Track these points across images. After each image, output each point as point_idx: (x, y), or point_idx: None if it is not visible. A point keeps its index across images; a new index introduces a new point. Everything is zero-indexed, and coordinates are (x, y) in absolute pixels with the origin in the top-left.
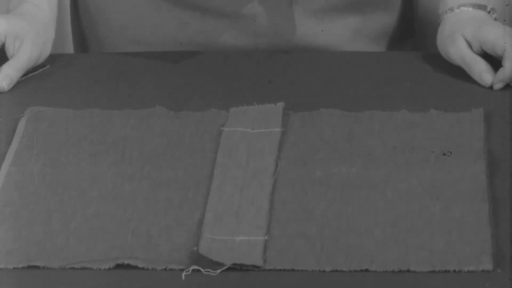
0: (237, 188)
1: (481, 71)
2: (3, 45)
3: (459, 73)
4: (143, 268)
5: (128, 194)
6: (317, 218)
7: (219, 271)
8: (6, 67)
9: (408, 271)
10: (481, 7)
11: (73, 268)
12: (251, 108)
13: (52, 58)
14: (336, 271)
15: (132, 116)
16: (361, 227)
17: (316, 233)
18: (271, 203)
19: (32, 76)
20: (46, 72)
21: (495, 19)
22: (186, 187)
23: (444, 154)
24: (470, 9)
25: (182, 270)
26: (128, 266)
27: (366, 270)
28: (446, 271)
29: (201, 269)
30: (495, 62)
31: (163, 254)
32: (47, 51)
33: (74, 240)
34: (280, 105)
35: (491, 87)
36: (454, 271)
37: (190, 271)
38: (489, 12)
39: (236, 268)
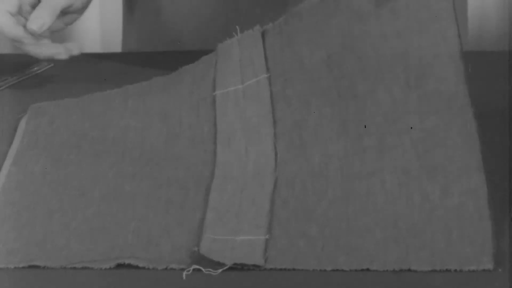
0: (237, 188)
1: None
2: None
3: None
4: (143, 268)
5: (129, 194)
6: (317, 217)
7: (220, 270)
8: (37, 8)
9: (409, 270)
10: None
11: (74, 268)
12: (235, 43)
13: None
14: (337, 270)
15: (130, 94)
16: (361, 227)
17: (316, 232)
18: (272, 203)
19: (35, 74)
20: (47, 71)
21: None
22: (187, 186)
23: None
24: None
25: (183, 269)
26: (129, 266)
27: (367, 269)
28: (446, 270)
29: (202, 268)
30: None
31: (164, 253)
32: None
33: (74, 240)
34: (257, 30)
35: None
36: (455, 270)
37: (191, 271)
38: None
39: (237, 267)
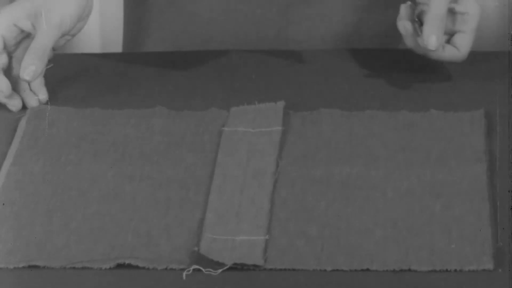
0: (237, 188)
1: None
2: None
3: (459, 73)
4: (143, 268)
5: (129, 194)
6: (317, 217)
7: (220, 271)
8: (27, 54)
9: (409, 270)
10: None
11: (74, 268)
12: (251, 107)
13: (54, 58)
14: (337, 270)
15: (133, 115)
16: (361, 227)
17: (316, 232)
18: (272, 203)
19: None
20: (47, 71)
21: None
22: (187, 187)
23: (444, 154)
24: None
25: (183, 269)
26: (129, 266)
27: (367, 269)
28: (446, 270)
29: (202, 268)
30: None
31: (163, 254)
32: (89, 4)
33: (74, 240)
34: (281, 104)
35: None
36: (455, 270)
37: (191, 271)
38: None
39: (237, 267)
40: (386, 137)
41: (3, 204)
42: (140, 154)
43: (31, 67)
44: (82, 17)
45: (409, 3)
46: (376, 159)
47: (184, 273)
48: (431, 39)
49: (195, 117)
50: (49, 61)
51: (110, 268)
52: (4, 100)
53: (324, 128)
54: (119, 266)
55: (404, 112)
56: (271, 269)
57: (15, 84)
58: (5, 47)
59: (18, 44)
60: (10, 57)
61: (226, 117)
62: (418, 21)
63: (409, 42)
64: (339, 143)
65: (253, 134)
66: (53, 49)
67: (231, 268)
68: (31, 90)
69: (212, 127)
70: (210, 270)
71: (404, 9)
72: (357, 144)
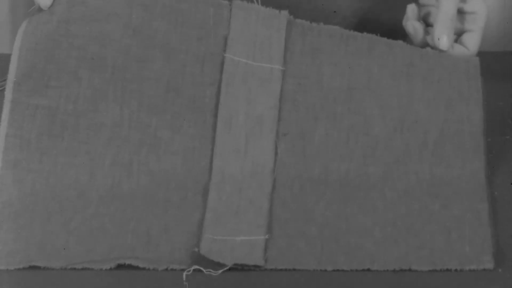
0: (236, 188)
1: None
2: None
3: None
4: (144, 268)
5: (127, 194)
6: (316, 218)
7: (220, 271)
8: None
9: (409, 270)
10: None
11: (74, 268)
12: (254, 14)
13: None
14: (337, 270)
15: (135, 4)
16: (361, 227)
17: (316, 233)
18: (271, 203)
19: None
20: None
21: None
22: (185, 186)
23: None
24: None
25: (183, 270)
26: (129, 266)
27: (367, 269)
28: (447, 270)
29: (202, 269)
30: None
31: (163, 254)
32: None
33: (74, 241)
34: (284, 16)
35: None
36: (455, 270)
37: (191, 271)
38: None
39: (237, 267)
40: (383, 90)
41: (1, 205)
42: (139, 106)
43: None
44: None
45: (414, 4)
46: (374, 145)
47: (184, 274)
48: (442, 39)
49: (197, 19)
50: None
51: (110, 269)
52: None
53: (324, 68)
54: (119, 266)
55: (401, 42)
56: (271, 269)
57: None
58: None
59: None
60: None
61: (228, 15)
62: (423, 22)
63: (417, 42)
64: (338, 105)
65: (253, 75)
66: None
67: (231, 268)
68: None
69: (214, 42)
70: (211, 270)
71: (411, 10)
72: (355, 108)
